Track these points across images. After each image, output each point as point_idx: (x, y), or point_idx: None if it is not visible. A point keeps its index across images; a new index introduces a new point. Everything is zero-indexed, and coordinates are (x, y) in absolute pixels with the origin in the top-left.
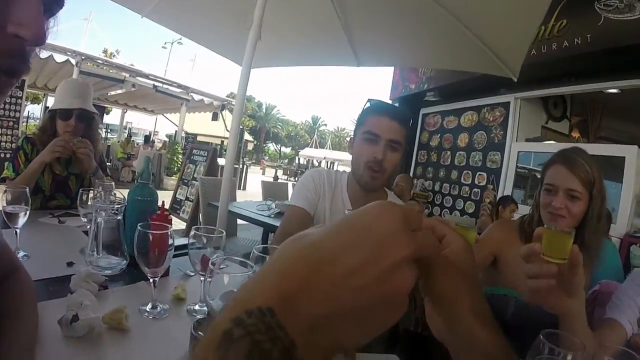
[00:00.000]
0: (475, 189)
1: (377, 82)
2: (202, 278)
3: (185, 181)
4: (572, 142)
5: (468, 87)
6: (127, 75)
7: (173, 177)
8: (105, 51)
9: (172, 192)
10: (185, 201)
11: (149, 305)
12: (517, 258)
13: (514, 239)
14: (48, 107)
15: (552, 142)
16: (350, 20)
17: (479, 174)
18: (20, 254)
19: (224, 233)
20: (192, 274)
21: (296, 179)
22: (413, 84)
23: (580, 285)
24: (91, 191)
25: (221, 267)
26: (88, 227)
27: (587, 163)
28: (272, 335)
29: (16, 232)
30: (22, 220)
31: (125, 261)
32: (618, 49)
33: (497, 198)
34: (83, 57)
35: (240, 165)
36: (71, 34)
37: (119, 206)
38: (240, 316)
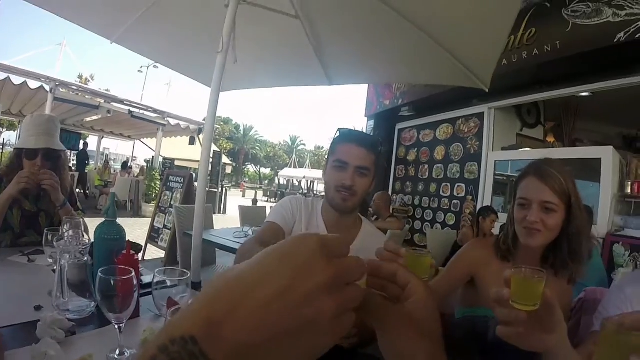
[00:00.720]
0: (455, 201)
1: (354, 100)
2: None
3: (163, 209)
4: (547, 147)
5: (442, 100)
6: (102, 101)
7: (152, 204)
8: (80, 76)
9: (149, 220)
10: (164, 229)
11: (117, 352)
12: (494, 277)
13: (491, 257)
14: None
15: (527, 149)
16: (320, 39)
17: (458, 186)
18: None
19: (189, 275)
20: (160, 314)
21: (276, 199)
22: (387, 100)
23: (559, 322)
24: (58, 231)
25: None
26: (55, 267)
27: (560, 173)
28: None
29: None
30: None
31: (93, 303)
32: (587, 53)
33: (477, 209)
34: (57, 84)
35: (220, 189)
36: (45, 59)
37: (84, 247)
38: (165, 343)
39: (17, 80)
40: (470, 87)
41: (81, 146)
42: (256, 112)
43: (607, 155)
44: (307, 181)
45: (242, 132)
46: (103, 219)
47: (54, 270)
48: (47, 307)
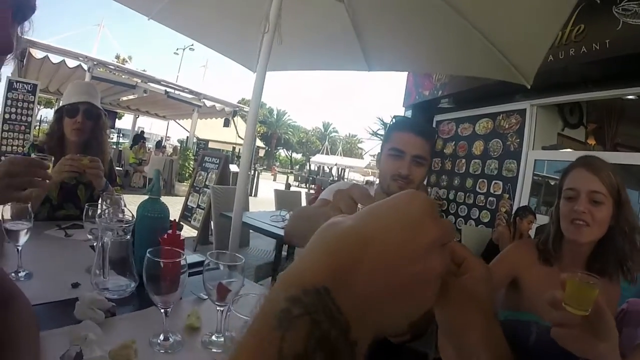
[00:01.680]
0: (491, 198)
1: (391, 90)
2: (218, 308)
3: (197, 189)
4: (588, 149)
5: (483, 94)
6: (139, 81)
7: (184, 184)
8: (117, 57)
9: (183, 199)
10: (197, 209)
11: (161, 337)
12: (538, 280)
13: (533, 260)
14: None
15: (569, 149)
16: (362, 24)
17: (495, 183)
18: (22, 272)
19: (244, 260)
20: (206, 297)
21: (307, 185)
22: (427, 90)
23: (611, 329)
24: (98, 206)
25: (239, 296)
26: (94, 243)
27: (609, 168)
28: (329, 315)
29: (18, 249)
30: (23, 238)
31: (134, 283)
32: (637, 55)
33: (513, 208)
34: (95, 62)
35: (252, 172)
36: (83, 39)
37: (127, 225)
38: (297, 295)
39: (55, 59)
40: (512, 82)
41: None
42: (290, 96)
43: None
44: (339, 168)
45: (275, 116)
46: (139, 196)
47: (92, 247)
48: (85, 285)
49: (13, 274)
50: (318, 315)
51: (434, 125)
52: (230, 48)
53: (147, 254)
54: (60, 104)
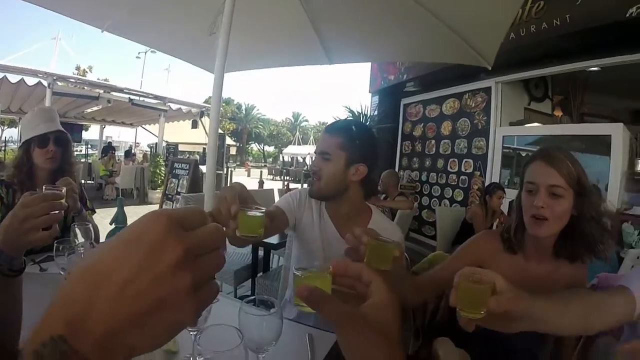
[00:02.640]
0: (463, 177)
1: (357, 76)
2: (191, 333)
3: (170, 197)
4: (555, 121)
5: (448, 75)
6: (102, 91)
7: (158, 190)
8: (78, 68)
9: (156, 206)
10: None
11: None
12: (503, 268)
13: (498, 249)
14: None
15: (536, 124)
16: (319, 17)
17: (465, 161)
18: None
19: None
20: None
21: (282, 177)
22: (392, 75)
23: (523, 312)
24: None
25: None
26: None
27: (569, 159)
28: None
29: None
30: None
31: None
32: (597, 28)
33: (485, 184)
34: (55, 78)
35: (225, 171)
36: (41, 55)
37: None
38: (37, 349)
39: (14, 78)
40: (474, 65)
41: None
42: (258, 91)
43: (618, 133)
44: (312, 157)
45: (244, 112)
46: (112, 208)
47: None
48: None
49: None
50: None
51: (401, 109)
52: (188, 52)
53: None
54: (25, 135)
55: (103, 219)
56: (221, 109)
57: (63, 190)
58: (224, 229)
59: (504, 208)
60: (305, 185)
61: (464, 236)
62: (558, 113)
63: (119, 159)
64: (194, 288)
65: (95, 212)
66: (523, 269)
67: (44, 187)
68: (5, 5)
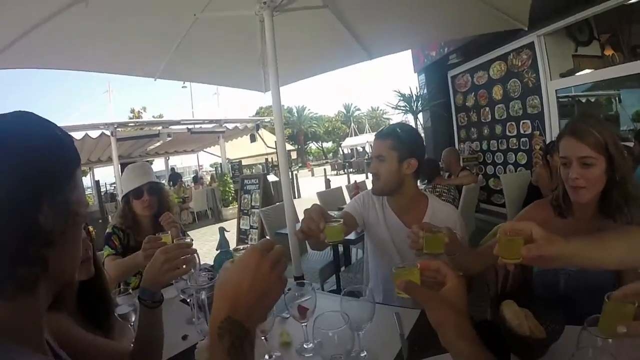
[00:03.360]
0: (523, 139)
1: (400, 56)
2: (303, 325)
3: (245, 211)
4: (606, 61)
5: (488, 38)
6: (161, 127)
7: (230, 207)
8: (132, 111)
9: (232, 221)
10: (250, 230)
11: (266, 357)
12: (556, 233)
13: (550, 215)
14: (97, 180)
15: (587, 71)
16: (351, 18)
17: (523, 122)
18: None
19: (312, 285)
20: (287, 316)
21: (345, 171)
22: (433, 51)
23: (561, 252)
24: None
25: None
26: (187, 299)
27: (596, 127)
28: (234, 324)
29: (131, 325)
30: (132, 317)
31: None
32: None
33: (547, 142)
34: (115, 126)
35: (290, 175)
36: (98, 108)
37: (211, 275)
38: (220, 325)
39: (78, 135)
40: (510, 29)
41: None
42: (305, 92)
43: None
44: (370, 145)
45: (296, 115)
46: (192, 231)
47: (182, 301)
48: (192, 335)
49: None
50: (232, 327)
51: (449, 82)
52: (236, 79)
53: None
54: (124, 189)
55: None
56: (273, 119)
57: (189, 240)
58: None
59: None
60: (369, 176)
61: (532, 200)
62: (608, 52)
63: (188, 185)
64: (278, 277)
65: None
66: (575, 230)
67: (171, 237)
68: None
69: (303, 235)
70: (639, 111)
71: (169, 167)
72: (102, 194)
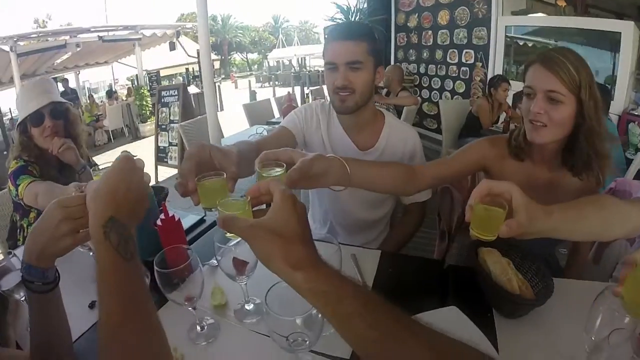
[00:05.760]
0: (464, 68)
1: None
2: (241, 283)
3: (163, 127)
4: (558, 11)
5: None
6: (68, 37)
7: (148, 123)
8: (36, 21)
9: (150, 139)
10: (170, 147)
11: (197, 329)
12: (509, 173)
13: (504, 154)
14: None
15: (540, 14)
16: None
17: (466, 52)
18: None
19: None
20: (215, 264)
21: (270, 83)
22: None
23: (534, 226)
24: None
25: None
26: (90, 254)
27: (573, 63)
28: (121, 226)
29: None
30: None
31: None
32: None
33: (488, 75)
34: (15, 39)
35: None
36: None
37: None
38: (106, 222)
39: None
40: None
41: (61, 88)
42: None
43: (628, 31)
44: (298, 58)
45: (220, 23)
46: (106, 153)
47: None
48: None
49: None
50: (115, 226)
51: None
52: None
53: (156, 269)
54: (19, 116)
55: (102, 166)
56: (195, 26)
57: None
58: None
59: (509, 100)
60: (297, 89)
61: (470, 129)
62: (561, 3)
63: (101, 101)
64: (146, 185)
65: (99, 169)
66: (530, 174)
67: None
68: None
69: (181, 190)
70: None
71: (81, 84)
72: (8, 121)
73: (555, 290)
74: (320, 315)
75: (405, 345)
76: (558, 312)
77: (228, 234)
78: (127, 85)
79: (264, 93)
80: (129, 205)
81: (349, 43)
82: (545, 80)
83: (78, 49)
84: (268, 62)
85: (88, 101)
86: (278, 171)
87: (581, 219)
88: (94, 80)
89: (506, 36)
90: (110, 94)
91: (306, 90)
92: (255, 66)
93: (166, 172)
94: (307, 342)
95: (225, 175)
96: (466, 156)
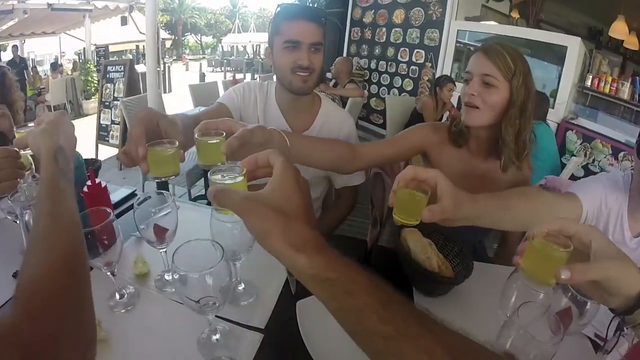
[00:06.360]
0: (413, 67)
1: None
2: (161, 250)
3: (107, 104)
4: (511, 22)
5: None
6: (15, 2)
7: (92, 100)
8: None
9: (93, 117)
10: (112, 126)
11: (117, 297)
12: (447, 158)
13: (444, 139)
14: None
15: (492, 22)
16: None
17: (417, 52)
18: None
19: (173, 197)
20: (140, 235)
21: (222, 68)
22: None
23: (458, 214)
24: None
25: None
26: (16, 220)
27: (510, 54)
28: (66, 156)
29: None
30: None
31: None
32: None
33: (436, 76)
34: None
35: (162, 67)
36: None
37: None
38: (54, 154)
39: None
40: None
41: (10, 55)
42: None
43: (574, 46)
44: (253, 45)
45: (177, 1)
46: None
47: (15, 221)
48: None
49: None
50: (63, 154)
51: None
52: None
53: None
54: None
55: None
56: None
57: (26, 151)
58: None
59: (454, 101)
60: (248, 76)
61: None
62: (515, 15)
63: (45, 74)
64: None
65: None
66: (466, 162)
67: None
68: None
69: (126, 159)
70: None
71: (26, 55)
72: None
73: (477, 272)
74: (228, 278)
75: (419, 342)
76: (477, 292)
77: (218, 209)
78: (74, 59)
79: (214, 77)
80: (69, 142)
81: (313, 24)
82: (482, 65)
83: (25, 16)
84: (222, 47)
85: (32, 73)
86: (217, 139)
87: (506, 208)
88: (39, 52)
89: (458, 42)
90: (55, 66)
91: (257, 79)
92: (209, 50)
93: (107, 152)
94: (217, 305)
95: (177, 144)
96: (408, 138)
